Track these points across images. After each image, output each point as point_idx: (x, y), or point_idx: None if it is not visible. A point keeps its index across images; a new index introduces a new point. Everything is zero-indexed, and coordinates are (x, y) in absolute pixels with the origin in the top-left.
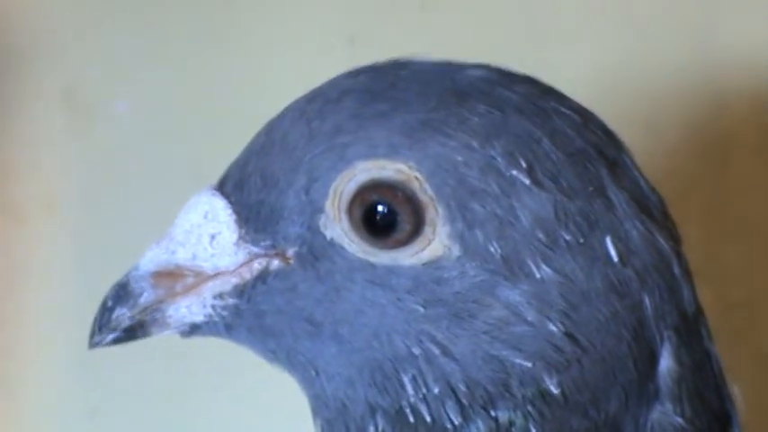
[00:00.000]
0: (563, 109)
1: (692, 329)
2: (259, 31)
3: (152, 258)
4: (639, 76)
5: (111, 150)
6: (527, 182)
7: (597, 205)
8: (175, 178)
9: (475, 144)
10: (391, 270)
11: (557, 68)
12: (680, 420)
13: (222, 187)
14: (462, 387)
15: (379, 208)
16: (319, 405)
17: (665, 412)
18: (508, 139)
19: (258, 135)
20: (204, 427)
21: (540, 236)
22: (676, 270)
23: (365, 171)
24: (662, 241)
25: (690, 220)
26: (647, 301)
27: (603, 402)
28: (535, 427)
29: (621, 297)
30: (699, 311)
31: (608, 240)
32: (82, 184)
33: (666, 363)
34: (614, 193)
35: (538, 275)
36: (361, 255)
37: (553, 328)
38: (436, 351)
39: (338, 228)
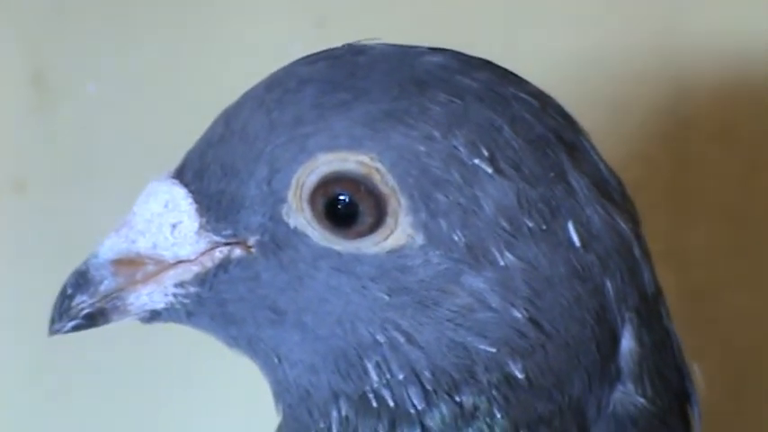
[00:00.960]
0: (522, 94)
1: (651, 310)
2: (228, 13)
3: (111, 246)
4: (603, 62)
5: (80, 132)
6: (489, 170)
7: (558, 191)
8: (144, 160)
9: (437, 134)
10: (356, 258)
11: (520, 53)
12: (641, 400)
13: (181, 176)
14: (427, 373)
15: (341, 199)
16: (281, 391)
17: (626, 392)
18: (469, 128)
19: (215, 124)
20: (168, 408)
21: (504, 223)
22: (636, 252)
23: (327, 163)
24: (622, 224)
25: (653, 205)
26: (608, 284)
27: (567, 385)
28: (500, 412)
29: (584, 281)
30: (658, 291)
31: (570, 226)
32: (51, 165)
33: (628, 344)
34: (575, 179)
35: (502, 263)
36: (324, 243)
37: (517, 314)
38: (401, 339)
39: (301, 218)
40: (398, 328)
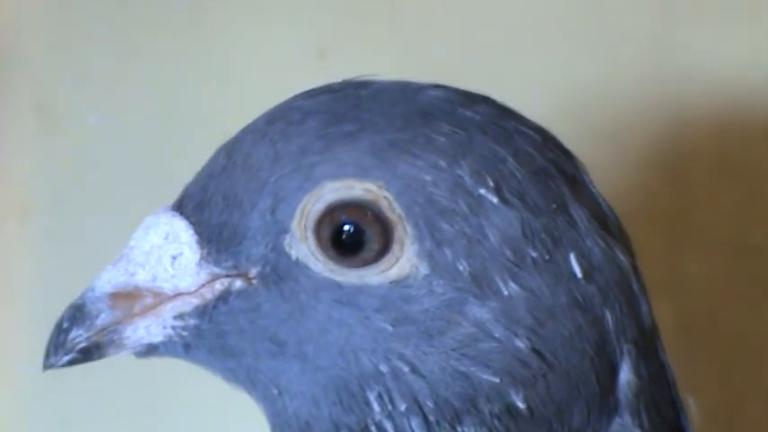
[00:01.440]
0: (523, 128)
1: (648, 342)
2: (229, 46)
3: (109, 280)
4: (602, 93)
5: (82, 161)
6: (495, 200)
7: (560, 222)
8: (145, 190)
9: (442, 164)
10: (359, 289)
11: (519, 85)
12: None
13: (181, 208)
14: (430, 403)
15: (347, 227)
16: (281, 423)
17: (623, 424)
18: (474, 159)
19: (216, 156)
20: None
21: (508, 253)
22: (635, 285)
23: (333, 191)
24: (621, 257)
25: (652, 235)
26: (608, 315)
27: (567, 416)
28: None
29: (585, 312)
30: (654, 325)
31: (572, 257)
32: (53, 193)
33: (626, 376)
34: (575, 210)
35: (505, 292)
36: (327, 274)
37: (520, 344)
38: (405, 368)
39: (304, 247)
40: (402, 357)
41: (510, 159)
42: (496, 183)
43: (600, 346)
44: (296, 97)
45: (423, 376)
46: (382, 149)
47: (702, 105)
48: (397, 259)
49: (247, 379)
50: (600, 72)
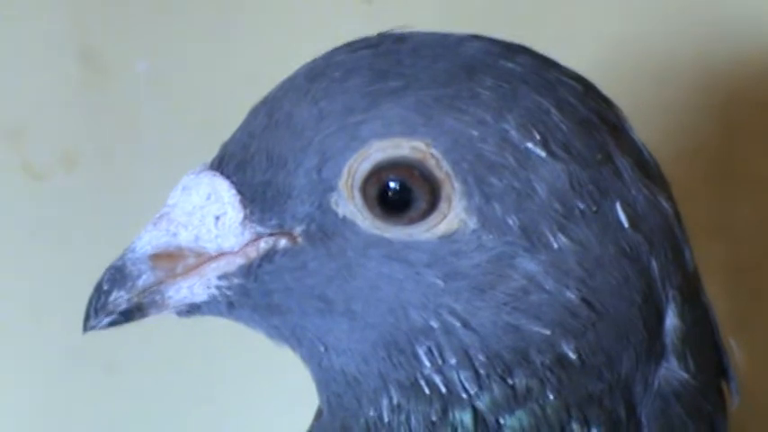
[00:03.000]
0: (564, 78)
1: (692, 287)
2: None
3: (150, 240)
4: (650, 32)
5: (129, 109)
6: (542, 154)
7: (606, 172)
8: (191, 139)
9: (489, 118)
10: (408, 245)
11: (563, 29)
12: (685, 376)
13: (221, 167)
14: (481, 357)
15: (395, 186)
16: (327, 380)
17: (670, 368)
18: (520, 112)
19: (255, 115)
20: (221, 381)
21: (557, 206)
22: (677, 231)
23: (380, 150)
24: (664, 204)
25: (699, 177)
26: (654, 263)
27: (616, 364)
28: (552, 393)
29: (632, 261)
30: (696, 269)
31: (618, 207)
32: (100, 141)
33: (671, 321)
34: (619, 160)
35: (555, 245)
36: (375, 231)
37: (570, 295)
38: (456, 323)
39: (351, 205)
40: (453, 312)
41: (554, 111)
42: (542, 135)
43: (647, 293)
44: (335, 52)
45: (474, 331)
46: (428, 106)
47: (751, 47)
48: (445, 216)
49: (292, 336)
50: (647, 14)
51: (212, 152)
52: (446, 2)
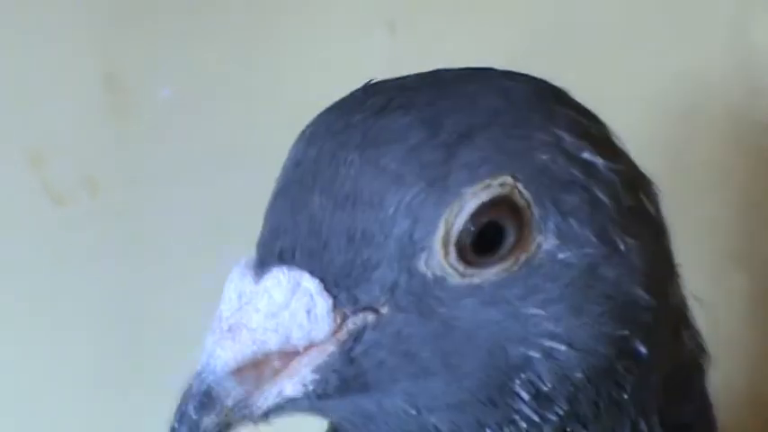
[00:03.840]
0: (547, 86)
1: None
2: (301, 18)
3: (234, 356)
4: (678, 65)
5: (153, 135)
6: (598, 161)
7: (629, 166)
8: (214, 165)
9: (549, 139)
10: (499, 284)
11: (597, 62)
12: (698, 338)
13: (288, 260)
14: (578, 374)
15: (489, 227)
16: None
17: (689, 335)
18: (566, 126)
19: (301, 198)
20: None
21: (615, 208)
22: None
23: (474, 195)
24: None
25: (726, 207)
26: (670, 244)
27: (669, 347)
28: (627, 393)
29: (664, 243)
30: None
31: (642, 197)
32: (123, 167)
33: (678, 294)
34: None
35: (622, 247)
36: (465, 281)
37: (640, 291)
38: (561, 347)
39: (444, 261)
40: (555, 337)
41: (582, 119)
42: (591, 143)
43: (673, 271)
44: (370, 111)
45: (577, 350)
46: (498, 142)
47: None
48: (529, 244)
49: (376, 413)
50: (672, 49)
51: (232, 177)
52: (470, 27)
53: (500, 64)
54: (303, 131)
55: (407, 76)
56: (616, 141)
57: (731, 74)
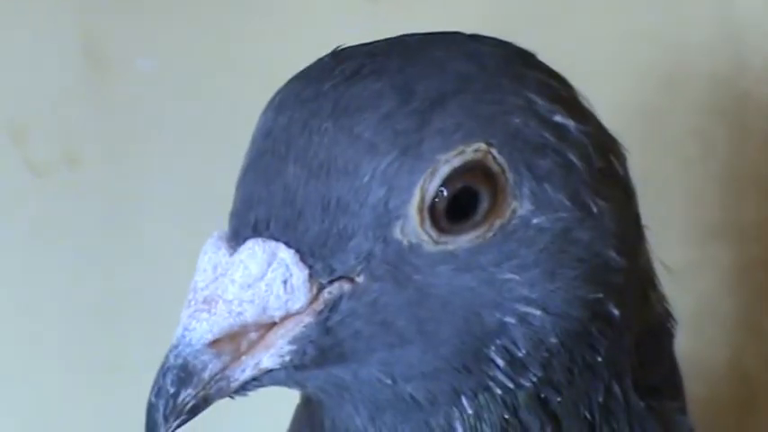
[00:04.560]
0: (517, 51)
1: None
2: None
3: (210, 328)
4: (659, 35)
5: (131, 107)
6: (570, 123)
7: (599, 129)
8: (194, 137)
9: (521, 102)
10: (474, 251)
11: (582, 29)
12: (664, 302)
13: (264, 232)
14: (553, 340)
15: (463, 193)
16: (384, 414)
17: (657, 295)
18: (537, 90)
19: (278, 167)
20: None
21: (587, 170)
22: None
23: (447, 162)
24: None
25: (709, 179)
26: (637, 205)
27: (639, 308)
28: (601, 356)
29: (633, 203)
30: None
31: (612, 158)
32: (102, 139)
33: (645, 253)
34: (594, 114)
35: (595, 210)
36: (440, 247)
37: (612, 253)
38: (536, 312)
39: (419, 228)
40: (531, 302)
41: (552, 81)
42: (562, 106)
43: (641, 233)
44: (340, 79)
45: (552, 314)
46: (471, 108)
47: (762, 46)
48: (504, 209)
49: (352, 383)
50: (654, 13)
51: (213, 150)
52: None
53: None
54: (272, 100)
55: (374, 42)
56: (584, 103)
57: (716, 45)
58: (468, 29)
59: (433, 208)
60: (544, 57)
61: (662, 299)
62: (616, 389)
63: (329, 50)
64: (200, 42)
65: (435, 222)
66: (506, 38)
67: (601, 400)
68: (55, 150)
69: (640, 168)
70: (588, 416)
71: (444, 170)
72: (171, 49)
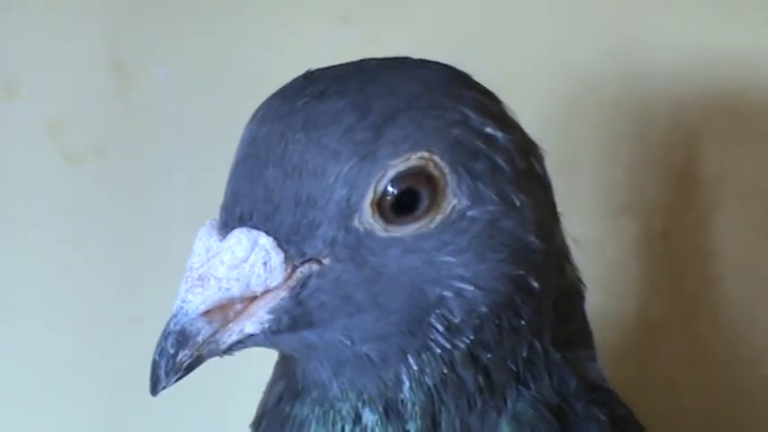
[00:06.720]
0: (464, 75)
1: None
2: (266, 11)
3: (204, 300)
4: (583, 48)
5: (149, 107)
6: (498, 133)
7: (522, 135)
8: (205, 134)
9: (458, 117)
10: (419, 237)
11: (519, 43)
12: (576, 271)
13: (248, 222)
14: (483, 309)
15: (406, 193)
16: (343, 368)
17: (570, 269)
18: (472, 106)
19: (261, 171)
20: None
21: (512, 171)
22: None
23: (394, 167)
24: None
25: (618, 167)
26: (554, 197)
27: (557, 281)
28: (524, 320)
29: (550, 197)
30: None
31: (532, 160)
32: (125, 135)
33: (559, 236)
34: (518, 123)
35: (517, 203)
36: (391, 234)
37: (532, 238)
38: (468, 287)
39: (372, 219)
40: (464, 279)
41: (482, 98)
42: (491, 119)
43: (556, 219)
44: (311, 97)
45: (481, 289)
46: (418, 122)
47: (661, 59)
48: (443, 206)
49: (320, 342)
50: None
51: (217, 145)
52: (419, 20)
53: (435, 53)
54: (255, 113)
55: (339, 66)
56: (511, 115)
57: (621, 60)
58: (426, 45)
59: (381, 203)
60: (489, 64)
61: (574, 269)
62: (537, 345)
63: (308, 66)
64: (208, 54)
65: (383, 215)
66: (459, 52)
67: (525, 354)
68: (86, 143)
69: (561, 157)
70: (514, 368)
71: (392, 173)
72: (183, 58)
